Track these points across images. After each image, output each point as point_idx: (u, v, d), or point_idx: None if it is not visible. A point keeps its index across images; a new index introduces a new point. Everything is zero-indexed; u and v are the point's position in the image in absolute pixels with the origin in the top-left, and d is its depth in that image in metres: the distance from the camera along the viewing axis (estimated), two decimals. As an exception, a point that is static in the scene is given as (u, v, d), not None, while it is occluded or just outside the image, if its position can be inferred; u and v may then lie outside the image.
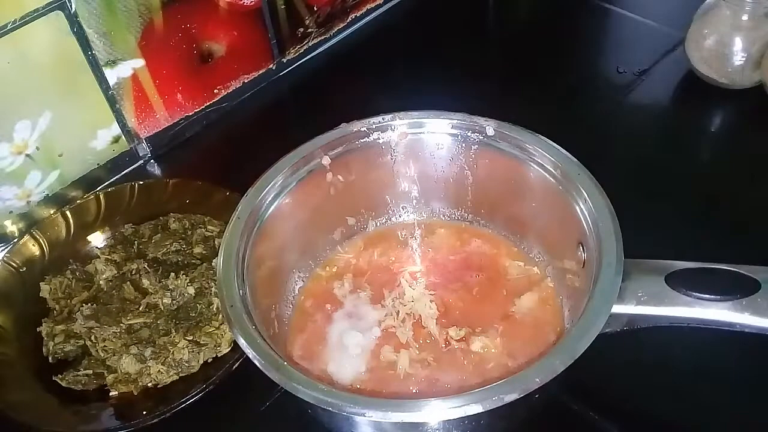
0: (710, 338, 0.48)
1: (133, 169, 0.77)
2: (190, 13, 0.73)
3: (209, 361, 0.57)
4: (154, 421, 0.52)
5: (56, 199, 0.71)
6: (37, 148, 0.67)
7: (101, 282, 0.63)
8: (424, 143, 0.59)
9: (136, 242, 0.66)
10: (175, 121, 0.78)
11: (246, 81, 0.83)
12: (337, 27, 0.89)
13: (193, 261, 0.64)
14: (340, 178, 0.59)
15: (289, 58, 0.86)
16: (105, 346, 0.58)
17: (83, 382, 0.57)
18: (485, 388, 0.41)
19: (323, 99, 0.82)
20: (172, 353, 0.56)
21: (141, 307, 0.60)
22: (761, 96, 0.74)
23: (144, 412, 0.53)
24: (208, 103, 0.80)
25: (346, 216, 0.62)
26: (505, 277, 0.59)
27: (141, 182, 0.70)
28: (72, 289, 0.63)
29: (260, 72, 0.84)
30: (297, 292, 0.59)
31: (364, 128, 0.58)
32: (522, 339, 0.54)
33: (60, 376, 0.57)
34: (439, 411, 0.40)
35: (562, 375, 0.42)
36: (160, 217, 0.68)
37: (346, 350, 0.55)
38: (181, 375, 0.56)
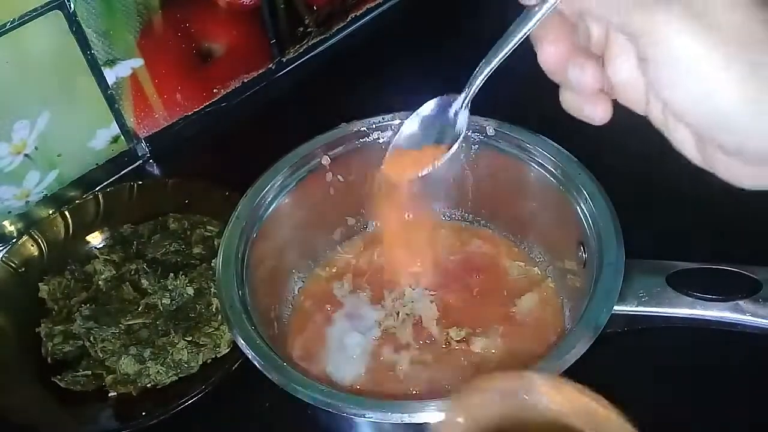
0: (711, 338, 0.48)
1: (132, 169, 0.76)
2: (189, 12, 0.73)
3: (208, 361, 0.57)
4: (153, 422, 0.52)
5: (55, 200, 0.71)
6: (36, 148, 0.67)
7: (100, 282, 0.63)
8: (424, 143, 0.59)
9: (135, 242, 0.66)
10: (175, 120, 0.78)
11: (245, 81, 0.82)
12: (337, 27, 0.89)
13: (193, 261, 0.64)
14: (340, 178, 0.59)
15: (288, 57, 0.86)
16: (104, 346, 0.58)
17: (82, 382, 0.57)
18: (486, 388, 0.41)
19: (323, 99, 0.82)
20: (171, 354, 0.56)
21: (140, 308, 0.60)
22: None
23: (143, 413, 0.53)
24: (207, 103, 0.80)
25: (345, 216, 0.62)
26: (506, 278, 0.59)
27: (140, 182, 0.70)
28: (71, 290, 0.63)
29: (260, 72, 0.83)
30: (296, 292, 0.59)
31: (364, 128, 0.58)
32: (523, 340, 0.54)
33: (59, 376, 0.57)
34: (439, 412, 0.40)
35: (563, 376, 0.41)
36: (159, 218, 0.67)
37: (346, 351, 0.55)
38: (180, 376, 0.56)
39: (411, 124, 0.44)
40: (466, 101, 0.41)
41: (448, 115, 0.42)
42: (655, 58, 0.29)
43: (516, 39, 0.36)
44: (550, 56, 0.35)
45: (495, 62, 0.38)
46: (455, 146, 0.42)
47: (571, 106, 0.36)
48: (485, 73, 0.39)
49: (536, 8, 0.34)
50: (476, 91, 0.40)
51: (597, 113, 0.35)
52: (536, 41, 0.36)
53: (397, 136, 0.45)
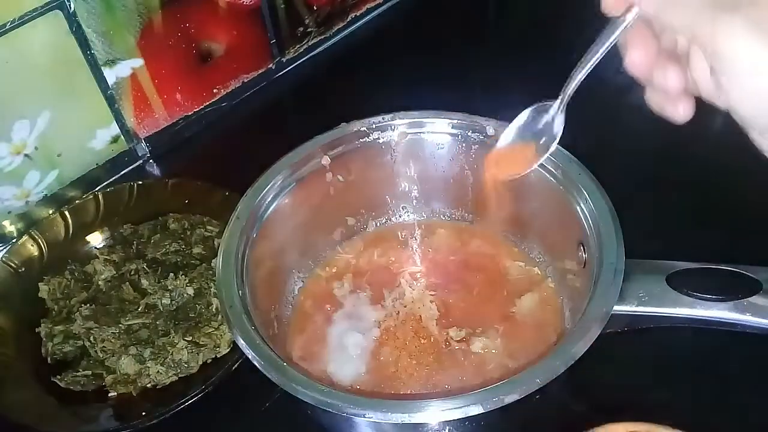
0: (711, 338, 0.48)
1: (132, 169, 0.76)
2: (189, 12, 0.73)
3: (208, 361, 0.57)
4: (153, 422, 0.52)
5: (55, 199, 0.71)
6: (36, 148, 0.67)
7: (100, 282, 0.63)
8: (424, 143, 0.59)
9: (135, 242, 0.66)
10: (174, 120, 0.78)
11: (245, 81, 0.82)
12: (337, 27, 0.89)
13: (193, 261, 0.64)
14: (340, 178, 0.59)
15: (288, 57, 0.86)
16: (104, 346, 0.58)
17: (82, 382, 0.57)
18: (485, 389, 0.41)
19: (323, 99, 0.82)
20: (171, 354, 0.56)
21: (140, 308, 0.60)
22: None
23: (143, 413, 0.53)
24: (207, 103, 0.80)
25: (345, 216, 0.62)
26: (506, 278, 0.59)
27: (140, 182, 0.70)
28: (71, 290, 0.63)
29: (260, 72, 0.83)
30: (297, 292, 0.59)
31: (364, 128, 0.58)
32: (522, 340, 0.54)
33: (59, 376, 0.57)
34: (439, 412, 0.40)
35: (563, 376, 0.41)
36: (159, 218, 0.67)
37: (346, 351, 0.55)
38: (180, 376, 0.56)
39: (509, 133, 0.48)
40: (562, 106, 0.44)
41: (543, 120, 0.46)
42: (717, 67, 0.32)
43: (604, 47, 0.39)
44: (636, 61, 0.37)
45: (586, 69, 0.40)
46: (553, 145, 0.46)
47: (655, 105, 0.38)
48: (578, 79, 0.41)
49: (620, 18, 0.37)
50: (570, 96, 0.43)
51: (678, 112, 0.37)
52: (623, 47, 0.38)
53: (498, 143, 0.49)
